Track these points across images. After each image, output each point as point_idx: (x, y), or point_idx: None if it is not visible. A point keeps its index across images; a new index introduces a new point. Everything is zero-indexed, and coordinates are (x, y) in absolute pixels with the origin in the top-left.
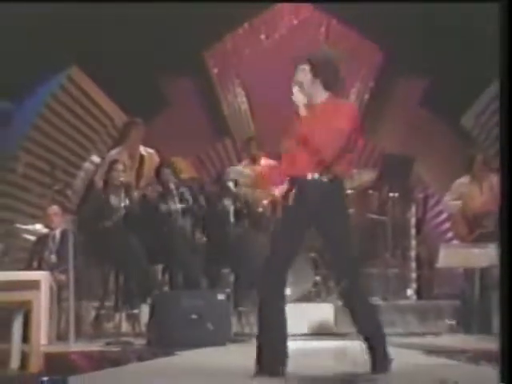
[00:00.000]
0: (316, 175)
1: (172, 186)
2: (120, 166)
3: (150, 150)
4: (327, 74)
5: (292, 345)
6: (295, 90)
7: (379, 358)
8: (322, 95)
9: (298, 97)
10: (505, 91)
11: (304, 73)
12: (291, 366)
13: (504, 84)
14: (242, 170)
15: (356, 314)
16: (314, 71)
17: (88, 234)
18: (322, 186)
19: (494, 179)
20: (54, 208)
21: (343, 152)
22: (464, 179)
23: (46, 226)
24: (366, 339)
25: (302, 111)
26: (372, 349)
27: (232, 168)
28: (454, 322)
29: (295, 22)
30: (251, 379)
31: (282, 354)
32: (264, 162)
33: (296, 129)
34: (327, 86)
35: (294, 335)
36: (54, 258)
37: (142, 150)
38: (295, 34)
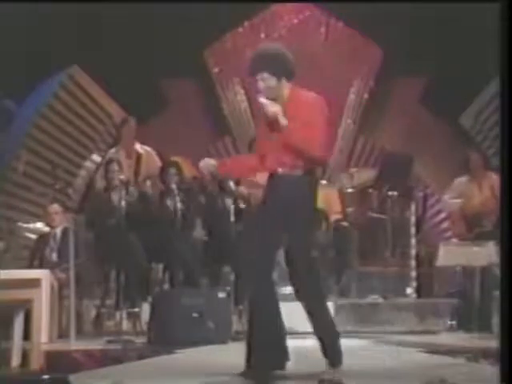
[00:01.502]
0: (287, 170)
1: (173, 185)
2: (115, 167)
3: (147, 148)
4: (284, 67)
5: (290, 343)
6: (265, 101)
7: (334, 355)
8: (286, 91)
9: (274, 107)
10: (505, 90)
11: (267, 80)
12: (290, 364)
13: (505, 83)
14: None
15: (315, 315)
16: (275, 73)
17: (89, 233)
18: (295, 180)
19: (494, 178)
20: (55, 207)
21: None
22: (463, 178)
23: (47, 225)
24: (321, 339)
25: (283, 120)
26: (328, 347)
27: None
28: (453, 322)
29: (295, 21)
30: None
31: (280, 355)
32: None
33: (271, 135)
34: (288, 79)
35: (292, 333)
36: (55, 256)
37: (139, 147)
38: (295, 34)
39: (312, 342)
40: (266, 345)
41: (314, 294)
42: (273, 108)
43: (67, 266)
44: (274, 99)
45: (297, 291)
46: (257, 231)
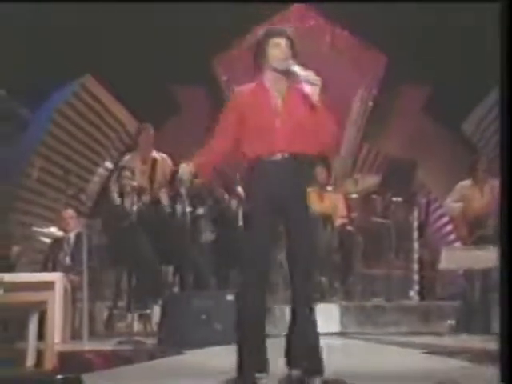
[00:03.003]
0: (285, 154)
1: (183, 189)
2: (127, 173)
3: (163, 155)
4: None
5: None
6: (296, 67)
7: (314, 362)
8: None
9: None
10: (505, 95)
11: (285, 48)
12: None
13: (504, 88)
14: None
15: (298, 320)
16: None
17: (102, 237)
18: (290, 166)
19: (495, 183)
20: (70, 211)
21: None
22: (466, 182)
23: (61, 229)
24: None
25: (316, 95)
26: (301, 353)
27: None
28: (455, 324)
29: (301, 30)
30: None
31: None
32: None
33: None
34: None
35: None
36: (68, 260)
37: (156, 154)
38: (301, 42)
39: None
40: (250, 349)
41: (305, 299)
42: (315, 77)
43: (80, 269)
44: (274, 75)
45: (292, 293)
46: (249, 227)
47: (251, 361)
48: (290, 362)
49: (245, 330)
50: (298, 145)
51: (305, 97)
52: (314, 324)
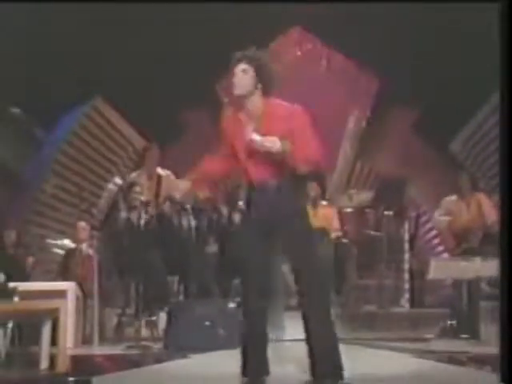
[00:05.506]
0: (274, 180)
1: (188, 205)
2: (137, 189)
3: (167, 171)
4: (265, 74)
5: (297, 348)
6: (259, 138)
7: (331, 366)
8: (259, 102)
9: (276, 143)
10: (505, 104)
11: (243, 75)
12: (297, 369)
13: (504, 97)
14: None
15: (311, 333)
16: (254, 71)
17: (112, 248)
18: (282, 190)
19: (481, 198)
20: (83, 224)
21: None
22: (452, 197)
23: (74, 241)
24: (313, 348)
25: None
26: (320, 358)
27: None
28: (443, 330)
29: (299, 53)
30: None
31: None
32: None
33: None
34: (264, 90)
35: (298, 340)
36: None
37: (160, 170)
38: (298, 66)
39: None
40: (252, 353)
41: (317, 310)
42: (274, 144)
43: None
44: (243, 101)
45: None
46: (248, 246)
47: (255, 364)
48: (312, 369)
49: (248, 338)
50: (271, 171)
51: (272, 129)
52: (330, 327)
